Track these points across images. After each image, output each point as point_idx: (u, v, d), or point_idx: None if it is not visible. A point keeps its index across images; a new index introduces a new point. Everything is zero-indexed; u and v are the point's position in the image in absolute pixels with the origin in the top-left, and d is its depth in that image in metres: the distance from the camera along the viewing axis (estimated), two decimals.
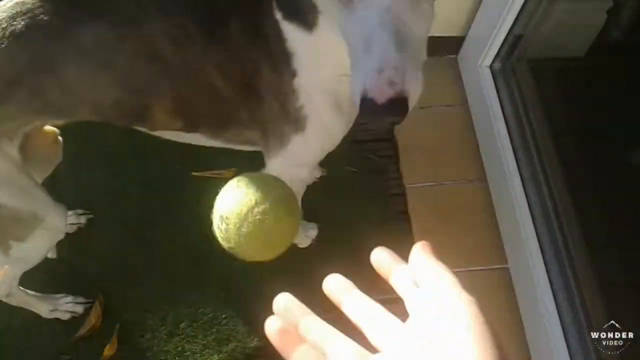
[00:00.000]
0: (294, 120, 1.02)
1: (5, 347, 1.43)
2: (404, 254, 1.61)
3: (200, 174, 1.66)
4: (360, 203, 1.64)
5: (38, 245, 1.16)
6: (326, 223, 1.58)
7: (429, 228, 1.58)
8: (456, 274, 0.49)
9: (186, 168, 1.68)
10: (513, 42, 1.65)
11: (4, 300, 1.33)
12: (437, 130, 1.77)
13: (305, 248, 1.55)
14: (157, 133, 1.15)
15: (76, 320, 1.44)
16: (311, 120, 1.02)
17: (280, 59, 0.96)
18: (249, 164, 1.66)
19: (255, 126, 1.08)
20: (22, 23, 0.91)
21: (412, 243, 1.56)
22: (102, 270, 1.53)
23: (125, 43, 0.96)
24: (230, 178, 1.58)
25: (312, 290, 1.64)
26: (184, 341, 1.43)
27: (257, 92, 1.01)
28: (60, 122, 1.15)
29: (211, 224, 0.74)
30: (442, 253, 0.51)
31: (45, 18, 0.92)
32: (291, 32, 0.93)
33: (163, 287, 1.50)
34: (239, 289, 1.50)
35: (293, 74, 0.97)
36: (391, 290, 0.50)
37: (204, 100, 1.04)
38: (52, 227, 1.14)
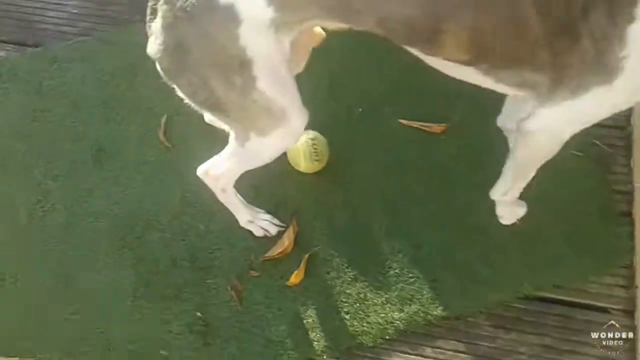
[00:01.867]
0: (605, 71, 0.94)
1: (201, 249, 1.49)
2: (618, 262, 1.41)
3: (407, 123, 1.61)
4: (577, 192, 1.47)
5: (274, 144, 1.21)
6: (535, 205, 1.44)
7: None
8: None
9: (396, 114, 1.63)
10: None
11: (217, 193, 1.37)
12: None
13: (507, 225, 1.43)
14: (429, 59, 1.10)
15: (267, 242, 1.47)
16: (625, 75, 0.93)
17: (622, 2, 0.87)
18: (461, 120, 1.57)
19: (549, 70, 1.00)
20: None
21: (631, 251, 1.38)
22: (299, 199, 1.53)
23: None
24: (438, 133, 1.62)
25: (503, 271, 1.42)
26: (367, 289, 1.40)
27: (574, 33, 0.92)
28: (344, 26, 1.13)
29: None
30: None
31: None
32: None
33: (355, 231, 1.47)
34: (430, 251, 1.43)
35: (630, 20, 0.88)
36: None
37: (506, 35, 0.97)
38: (293, 128, 1.16)
